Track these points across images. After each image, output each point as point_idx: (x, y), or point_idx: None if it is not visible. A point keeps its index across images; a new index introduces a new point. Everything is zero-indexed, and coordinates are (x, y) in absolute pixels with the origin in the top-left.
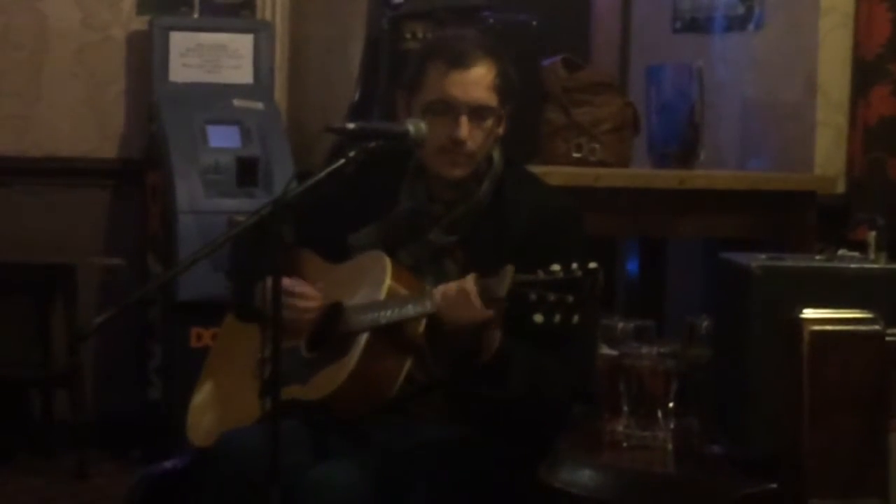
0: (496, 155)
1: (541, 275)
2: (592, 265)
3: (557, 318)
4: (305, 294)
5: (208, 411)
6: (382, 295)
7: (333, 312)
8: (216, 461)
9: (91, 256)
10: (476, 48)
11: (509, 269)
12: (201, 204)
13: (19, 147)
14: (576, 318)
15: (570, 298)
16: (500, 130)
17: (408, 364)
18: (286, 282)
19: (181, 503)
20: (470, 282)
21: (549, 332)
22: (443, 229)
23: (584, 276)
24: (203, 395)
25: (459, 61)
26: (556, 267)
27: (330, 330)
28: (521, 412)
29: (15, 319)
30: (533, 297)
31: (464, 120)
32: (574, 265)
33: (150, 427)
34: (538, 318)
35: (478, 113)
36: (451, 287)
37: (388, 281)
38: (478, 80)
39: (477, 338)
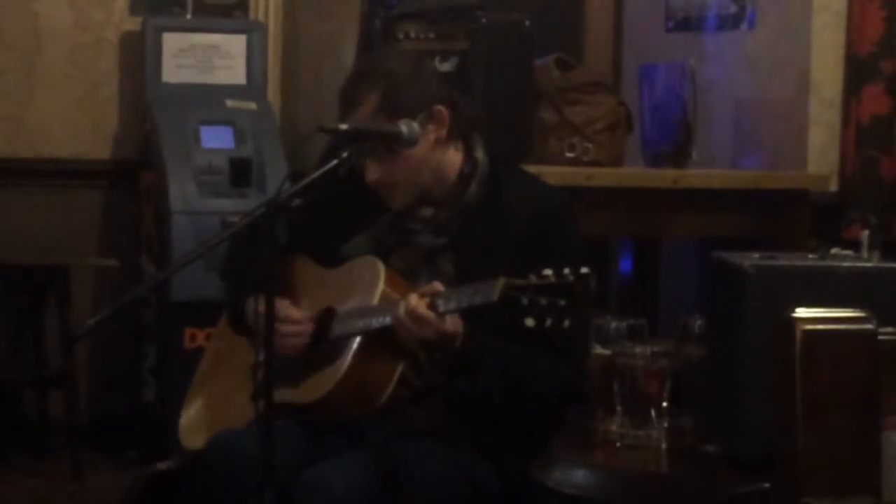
0: (479, 155)
1: (533, 279)
2: (584, 270)
3: (549, 322)
4: (291, 317)
5: (202, 415)
6: (375, 300)
7: (326, 317)
8: (210, 462)
9: (84, 257)
10: (355, 83)
11: (500, 280)
12: (195, 204)
13: (12, 148)
14: (567, 323)
15: (562, 303)
16: (439, 132)
17: (400, 368)
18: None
19: None
20: (422, 305)
21: (540, 336)
22: (431, 232)
23: (576, 281)
24: (196, 398)
25: (344, 107)
26: (548, 271)
27: (323, 335)
28: (508, 411)
29: (8, 320)
30: (524, 301)
31: (366, 162)
32: (566, 270)
33: (145, 428)
34: (530, 322)
35: (374, 146)
36: (401, 313)
37: (381, 286)
38: (361, 117)
39: (453, 344)
